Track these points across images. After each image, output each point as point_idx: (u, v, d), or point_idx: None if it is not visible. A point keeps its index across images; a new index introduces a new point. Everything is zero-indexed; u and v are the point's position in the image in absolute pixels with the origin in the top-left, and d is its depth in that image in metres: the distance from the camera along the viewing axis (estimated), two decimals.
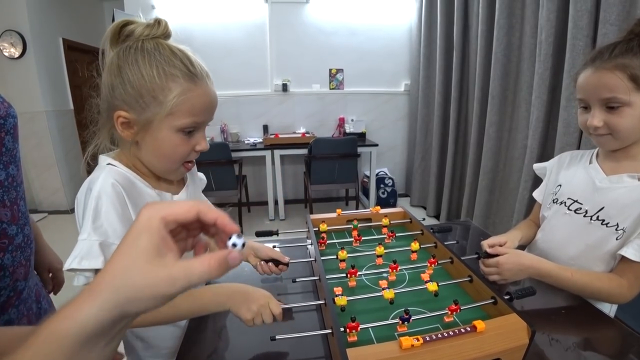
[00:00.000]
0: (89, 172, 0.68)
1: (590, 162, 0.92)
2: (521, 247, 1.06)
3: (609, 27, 1.71)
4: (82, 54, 4.40)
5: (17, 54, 3.51)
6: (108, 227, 0.58)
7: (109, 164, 0.65)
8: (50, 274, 0.99)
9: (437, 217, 3.68)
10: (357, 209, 3.61)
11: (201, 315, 0.74)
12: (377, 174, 3.96)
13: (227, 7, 3.66)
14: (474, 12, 2.92)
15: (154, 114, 0.60)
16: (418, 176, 3.97)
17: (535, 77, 2.23)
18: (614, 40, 0.79)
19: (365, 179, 4.02)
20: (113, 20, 3.13)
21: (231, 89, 3.86)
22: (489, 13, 2.65)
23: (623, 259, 0.79)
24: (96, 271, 0.56)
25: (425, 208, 3.89)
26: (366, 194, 3.91)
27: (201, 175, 0.95)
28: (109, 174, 0.63)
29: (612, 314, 0.91)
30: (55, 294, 1.01)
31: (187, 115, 0.62)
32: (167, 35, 0.64)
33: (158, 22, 0.63)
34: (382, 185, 3.97)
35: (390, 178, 4.01)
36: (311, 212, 3.56)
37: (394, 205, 4.01)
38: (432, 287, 0.74)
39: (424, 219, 1.06)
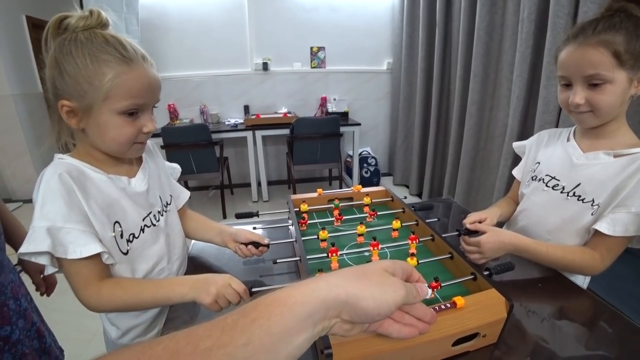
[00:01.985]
0: None
1: (568, 140, 0.93)
2: (500, 224, 1.08)
3: (590, 5, 1.70)
4: None
5: None
6: (55, 213, 0.61)
7: (59, 158, 0.69)
8: (42, 276, 0.98)
9: (419, 195, 3.72)
10: (340, 188, 3.62)
11: (164, 305, 0.75)
12: (360, 154, 3.96)
13: None
14: None
15: (93, 99, 0.63)
16: (401, 155, 3.99)
17: (516, 55, 2.23)
18: (595, 17, 0.78)
19: (348, 159, 4.02)
20: None
21: (210, 68, 3.75)
22: None
23: (596, 232, 0.81)
24: (50, 254, 0.59)
25: (408, 187, 3.93)
26: (349, 173, 3.92)
27: (175, 165, 0.96)
28: (57, 167, 0.66)
29: (585, 286, 0.94)
30: (48, 295, 0.99)
31: (125, 98, 0.64)
32: (102, 24, 0.65)
33: (91, 12, 0.64)
34: (365, 165, 3.97)
35: (373, 157, 4.02)
36: (294, 193, 3.54)
37: (377, 184, 4.04)
38: (411, 262, 0.75)
39: (405, 198, 1.06)
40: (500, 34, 2.50)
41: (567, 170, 0.89)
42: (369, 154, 4.07)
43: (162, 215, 0.81)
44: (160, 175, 0.86)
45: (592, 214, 0.83)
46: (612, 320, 0.72)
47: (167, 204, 0.84)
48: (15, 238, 0.95)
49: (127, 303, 0.68)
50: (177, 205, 0.91)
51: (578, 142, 0.90)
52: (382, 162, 4.36)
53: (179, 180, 0.97)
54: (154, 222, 0.78)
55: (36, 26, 3.90)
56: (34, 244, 0.58)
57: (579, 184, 0.86)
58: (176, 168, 0.96)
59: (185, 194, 0.95)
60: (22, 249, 0.59)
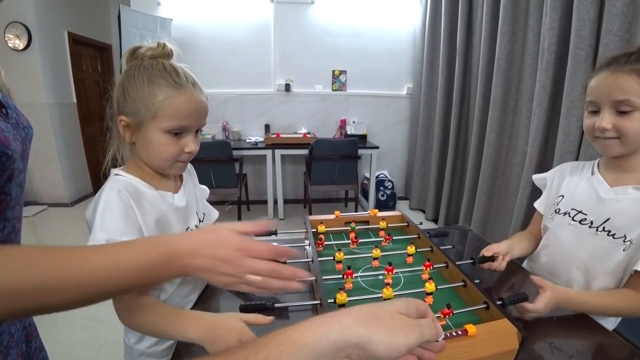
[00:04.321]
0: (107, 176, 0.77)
1: (593, 174, 0.92)
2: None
3: (611, 38, 1.72)
4: (87, 48, 4.42)
5: (21, 46, 3.53)
6: (114, 226, 0.65)
7: (116, 174, 0.74)
8: None
9: (435, 221, 3.69)
10: (356, 210, 3.63)
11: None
12: (377, 176, 3.98)
13: (232, 5, 3.69)
14: (478, 18, 2.93)
15: (144, 117, 0.71)
16: (418, 179, 3.99)
17: (536, 84, 2.24)
18: (628, 51, 0.79)
19: (365, 181, 4.04)
20: (119, 16, 3.16)
21: (234, 87, 3.89)
22: (493, 19, 2.67)
23: (636, 272, 0.79)
24: None
25: (424, 212, 3.90)
26: (365, 195, 3.93)
27: (205, 187, 1.00)
28: (115, 184, 0.71)
29: (615, 324, 0.92)
30: None
31: (172, 118, 0.71)
32: (166, 54, 0.75)
33: (158, 44, 0.74)
34: (381, 188, 3.98)
35: (390, 181, 4.03)
36: (310, 213, 3.57)
37: (393, 207, 4.03)
38: (430, 287, 0.76)
39: (421, 223, 1.07)
40: (520, 63, 2.52)
41: (595, 205, 0.87)
42: (386, 177, 4.09)
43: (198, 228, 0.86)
44: (196, 193, 0.91)
45: (624, 250, 0.81)
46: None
47: (199, 221, 0.89)
48: None
49: (149, 331, 0.69)
50: (207, 223, 0.95)
51: (603, 175, 0.89)
52: (399, 185, 4.36)
53: None
54: None
55: (76, 41, 4.15)
56: None
57: (608, 219, 0.84)
58: (206, 189, 1.01)
59: (215, 213, 1.00)
60: None
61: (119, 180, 0.72)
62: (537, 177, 1.11)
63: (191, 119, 0.73)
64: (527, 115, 2.42)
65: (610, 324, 0.89)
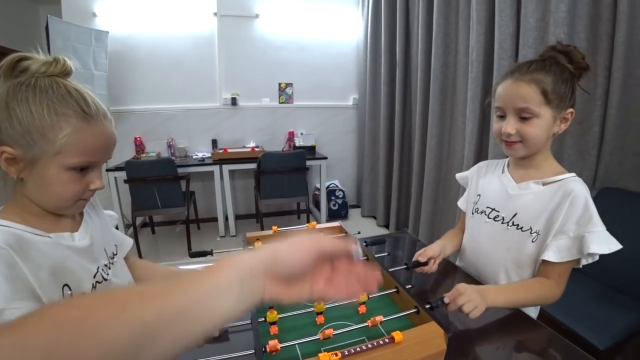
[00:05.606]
0: None
1: (503, 172, 1.00)
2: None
3: (527, 49, 1.88)
4: None
5: None
6: None
7: None
8: None
9: (387, 226, 3.78)
10: (307, 222, 3.62)
11: None
12: (327, 187, 4.01)
13: (174, 18, 3.59)
14: (415, 31, 3.09)
15: (42, 152, 0.58)
16: (368, 187, 4.07)
17: (468, 93, 2.39)
18: (530, 59, 0.88)
19: (316, 192, 4.05)
20: (47, 27, 2.95)
21: (178, 102, 3.77)
22: (427, 33, 2.82)
23: (545, 261, 0.85)
24: None
25: (375, 218, 3.99)
26: (318, 206, 3.94)
27: (111, 212, 0.89)
28: None
29: (537, 309, 0.98)
30: None
31: (79, 155, 0.60)
32: (66, 73, 0.62)
33: (56, 59, 0.61)
34: (333, 198, 4.02)
35: (341, 190, 4.08)
36: (262, 228, 3.52)
37: (345, 216, 4.08)
38: (362, 296, 0.76)
39: (358, 233, 1.09)
40: (454, 73, 2.68)
41: (505, 201, 0.95)
42: (337, 186, 4.13)
43: (109, 268, 0.74)
44: (102, 226, 0.80)
45: (532, 241, 0.88)
46: (546, 338, 0.76)
47: (113, 254, 0.78)
48: None
49: None
50: (122, 254, 0.85)
51: (511, 173, 0.97)
52: (351, 194, 4.42)
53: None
54: (105, 276, 0.71)
55: None
56: None
57: (515, 214, 0.92)
58: (113, 215, 0.89)
59: (128, 241, 0.89)
60: None
61: None
62: (459, 176, 1.19)
63: (100, 154, 0.64)
64: (462, 121, 2.57)
65: (532, 312, 0.95)
